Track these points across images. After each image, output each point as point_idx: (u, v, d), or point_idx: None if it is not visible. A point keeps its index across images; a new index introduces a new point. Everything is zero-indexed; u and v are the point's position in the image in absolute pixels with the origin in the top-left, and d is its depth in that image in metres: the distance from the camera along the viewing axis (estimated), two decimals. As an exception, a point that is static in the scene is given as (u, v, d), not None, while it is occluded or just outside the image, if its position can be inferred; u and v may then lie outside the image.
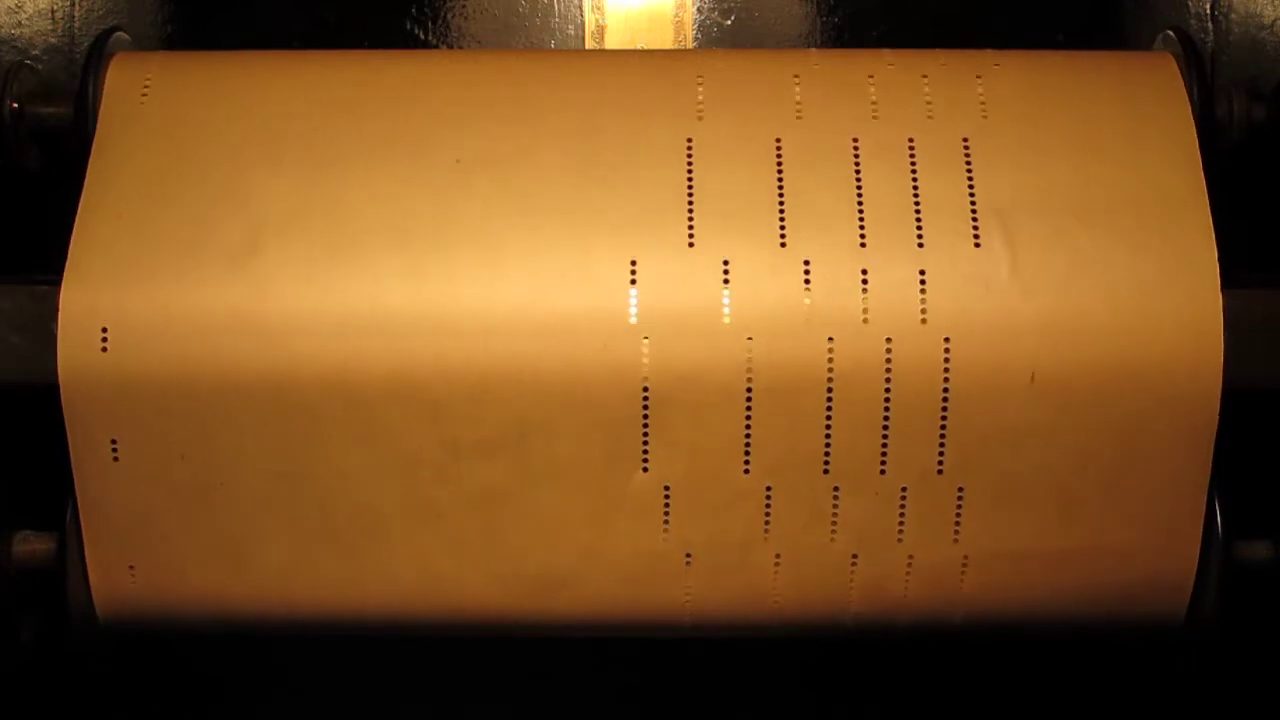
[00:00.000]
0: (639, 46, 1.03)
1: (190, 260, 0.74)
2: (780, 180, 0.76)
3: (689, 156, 0.77)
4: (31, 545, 0.81)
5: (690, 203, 0.75)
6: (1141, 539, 0.76)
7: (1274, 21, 0.84)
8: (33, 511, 0.81)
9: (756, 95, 0.78)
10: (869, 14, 1.02)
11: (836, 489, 0.75)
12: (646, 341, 0.74)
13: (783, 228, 0.75)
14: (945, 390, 0.73)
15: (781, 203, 0.75)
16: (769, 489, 0.75)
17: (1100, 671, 0.94)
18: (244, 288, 0.74)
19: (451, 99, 0.79)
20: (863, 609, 0.78)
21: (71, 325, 0.74)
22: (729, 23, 1.03)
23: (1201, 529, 0.76)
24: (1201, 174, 0.76)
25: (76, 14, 0.89)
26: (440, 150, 0.77)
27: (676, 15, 1.03)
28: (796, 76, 0.79)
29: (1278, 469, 0.82)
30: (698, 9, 1.03)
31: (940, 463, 0.75)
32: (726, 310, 0.74)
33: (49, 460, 0.76)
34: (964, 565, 0.77)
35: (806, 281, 0.74)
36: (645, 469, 0.75)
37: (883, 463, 0.75)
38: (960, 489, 0.75)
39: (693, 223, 0.75)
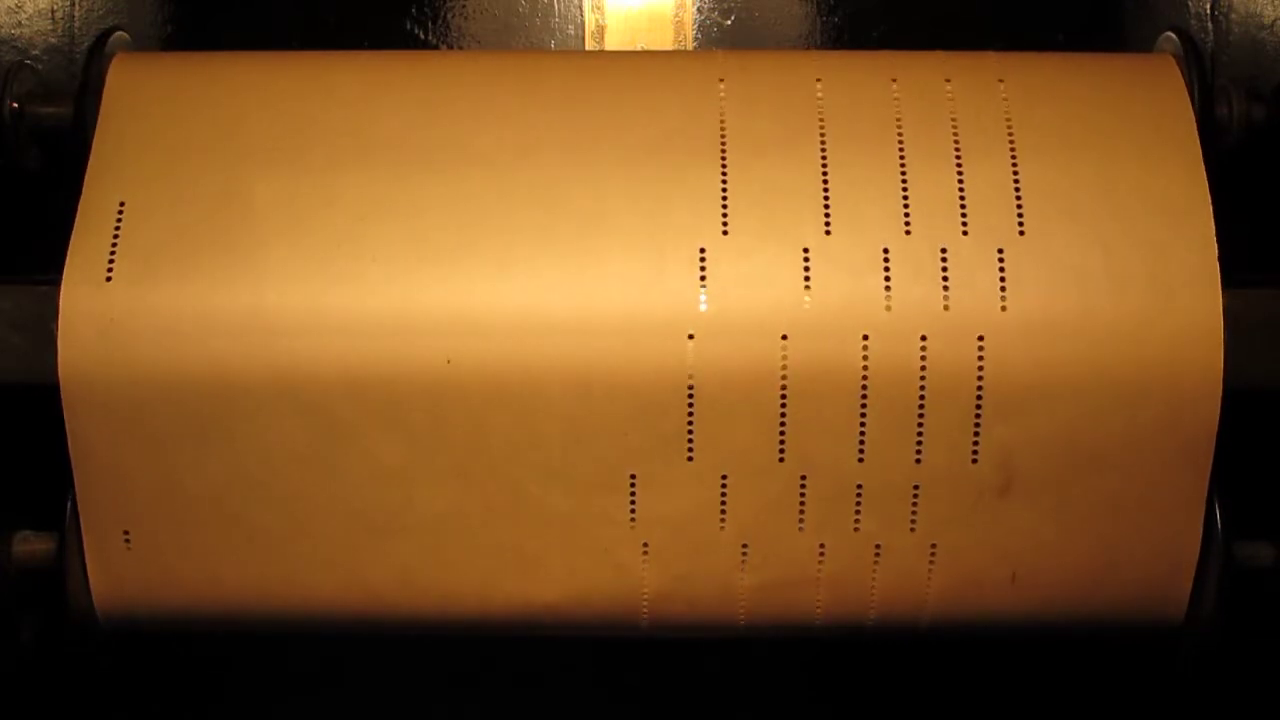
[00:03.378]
0: (639, 46, 1.03)
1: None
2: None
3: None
4: (31, 545, 0.81)
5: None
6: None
7: (1274, 21, 0.84)
8: (33, 511, 0.81)
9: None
10: (869, 14, 1.02)
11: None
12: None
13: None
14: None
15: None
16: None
17: (1100, 671, 0.94)
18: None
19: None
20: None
21: (71, 325, 0.74)
22: (729, 23, 1.03)
23: (1201, 529, 0.76)
24: (1202, 174, 0.76)
25: (76, 14, 0.89)
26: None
27: (676, 15, 1.03)
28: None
29: (1278, 469, 0.82)
30: (698, 9, 1.03)
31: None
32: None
33: (49, 460, 0.76)
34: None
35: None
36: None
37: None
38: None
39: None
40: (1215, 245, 0.74)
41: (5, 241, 0.82)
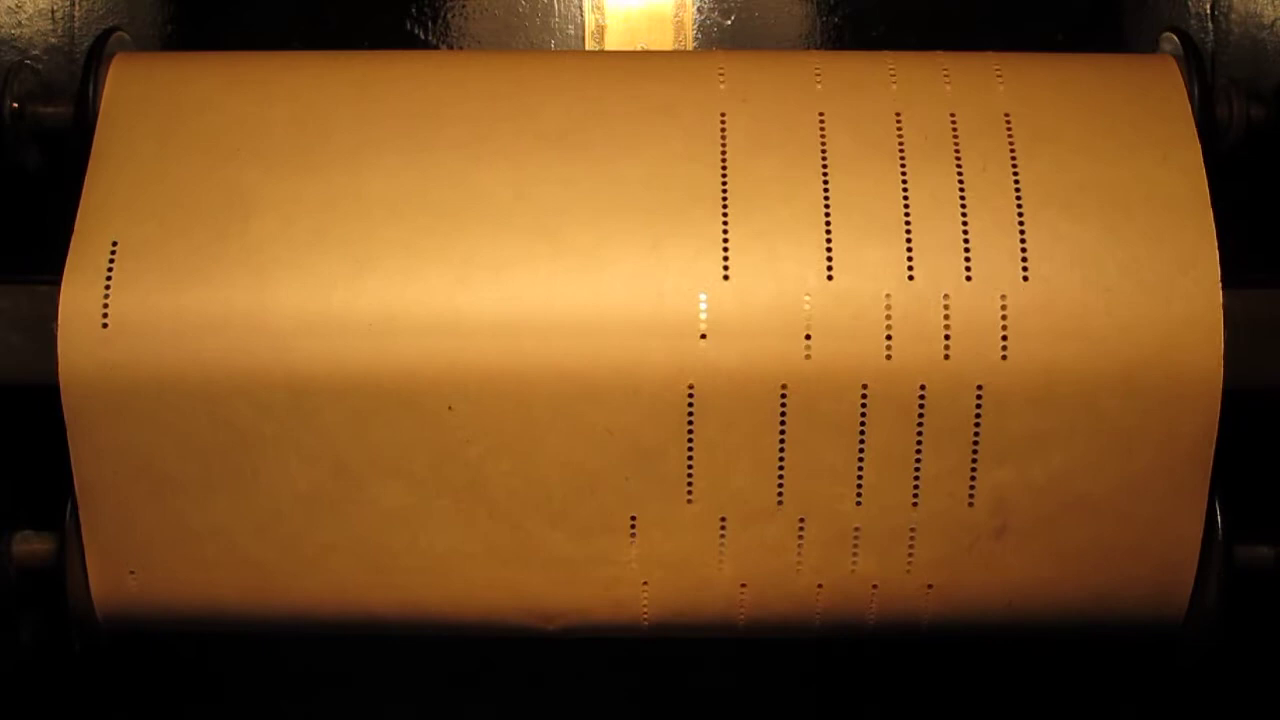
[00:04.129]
0: (639, 47, 1.03)
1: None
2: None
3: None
4: (31, 545, 0.81)
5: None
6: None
7: (1274, 21, 0.84)
8: (33, 511, 0.81)
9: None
10: (869, 14, 1.02)
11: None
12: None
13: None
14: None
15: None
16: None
17: (1100, 671, 0.94)
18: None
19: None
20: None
21: (71, 325, 0.74)
22: (729, 23, 1.03)
23: (1202, 529, 0.76)
24: (1202, 174, 0.76)
25: (76, 14, 0.89)
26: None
27: (676, 15, 1.03)
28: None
29: (1278, 469, 0.82)
30: (698, 9, 1.03)
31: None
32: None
33: (49, 460, 0.76)
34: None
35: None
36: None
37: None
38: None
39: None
40: (1215, 245, 0.74)
41: (5, 241, 0.82)
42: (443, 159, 0.77)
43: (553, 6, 1.03)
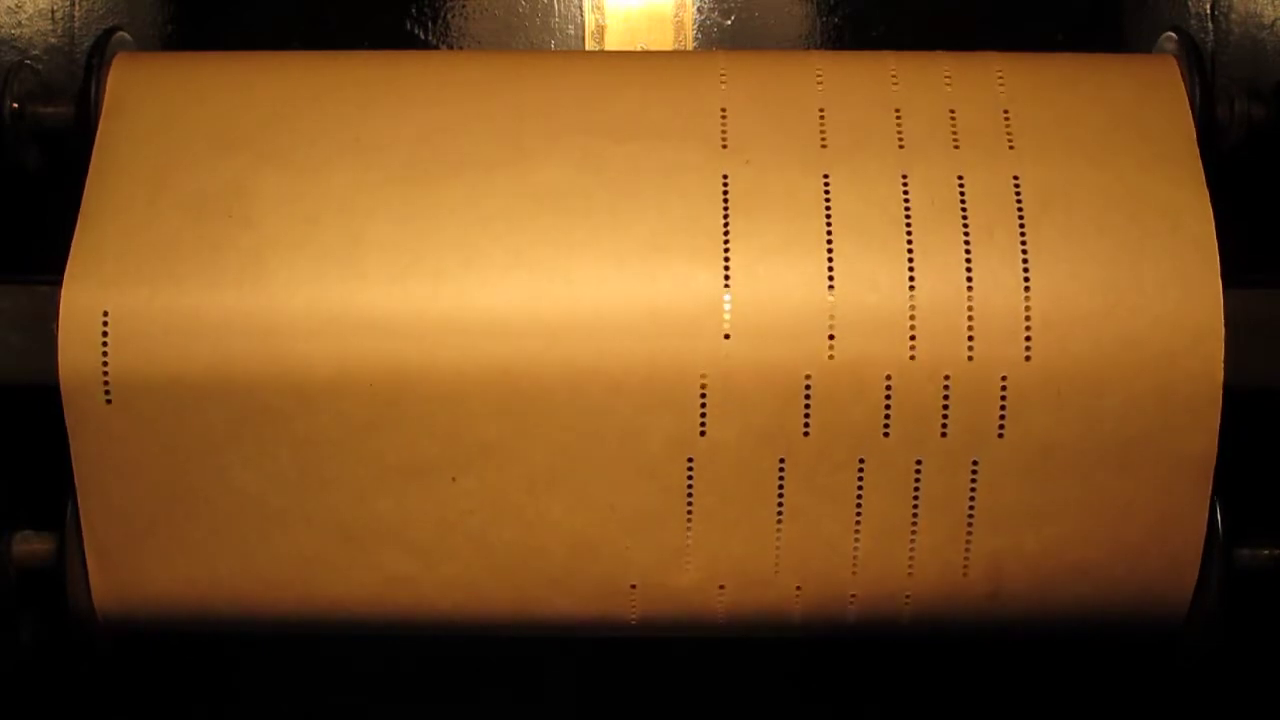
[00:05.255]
0: (639, 46, 1.03)
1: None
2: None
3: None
4: (31, 545, 0.81)
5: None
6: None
7: (1274, 21, 0.84)
8: (33, 511, 0.81)
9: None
10: (869, 14, 1.02)
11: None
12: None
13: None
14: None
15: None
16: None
17: (1100, 671, 0.94)
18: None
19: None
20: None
21: (71, 325, 0.74)
22: (729, 23, 1.03)
23: (1203, 529, 0.76)
24: (1202, 174, 0.76)
25: (76, 14, 0.89)
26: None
27: (676, 15, 1.03)
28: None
29: (1278, 469, 0.82)
30: (698, 9, 1.03)
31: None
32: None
33: (49, 460, 0.76)
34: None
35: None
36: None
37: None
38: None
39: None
40: (1215, 245, 0.74)
41: (5, 241, 0.82)
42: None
43: (553, 6, 1.03)
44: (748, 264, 0.74)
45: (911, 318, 0.73)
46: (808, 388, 0.73)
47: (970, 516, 0.75)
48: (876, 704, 0.94)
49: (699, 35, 1.03)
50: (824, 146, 0.77)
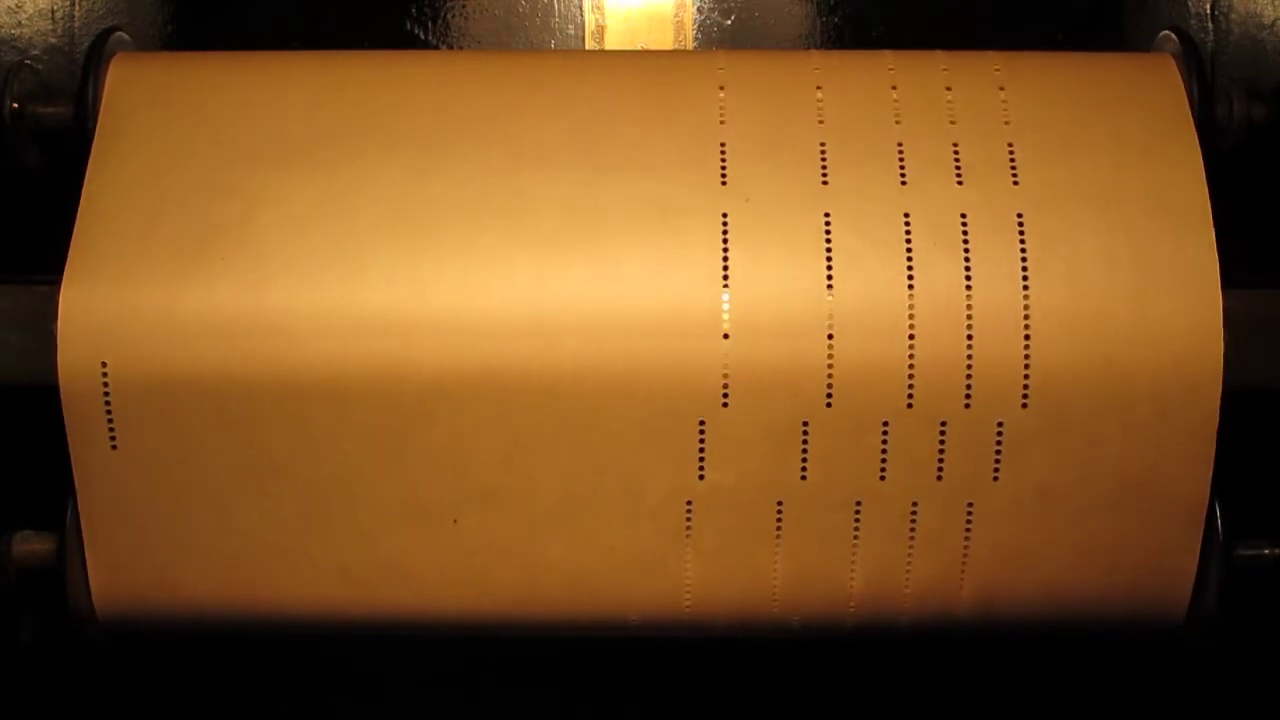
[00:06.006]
0: (639, 46, 1.03)
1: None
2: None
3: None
4: (31, 545, 0.81)
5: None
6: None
7: (1274, 21, 0.84)
8: (33, 511, 0.81)
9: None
10: (869, 14, 1.02)
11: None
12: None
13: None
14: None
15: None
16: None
17: (1100, 671, 0.94)
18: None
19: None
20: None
21: (71, 325, 0.74)
22: (729, 23, 1.03)
23: (1202, 529, 0.76)
24: (1202, 174, 0.76)
25: (76, 14, 0.89)
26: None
27: (676, 15, 1.03)
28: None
29: (1278, 469, 0.82)
30: (698, 9, 1.03)
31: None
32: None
33: (49, 460, 0.76)
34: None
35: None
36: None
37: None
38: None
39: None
40: (1215, 245, 0.74)
41: (5, 241, 0.82)
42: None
43: (553, 6, 1.03)
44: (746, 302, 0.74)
45: (910, 366, 0.73)
46: (805, 434, 0.74)
47: (965, 556, 0.76)
48: (876, 704, 0.94)
49: (699, 35, 1.03)
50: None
